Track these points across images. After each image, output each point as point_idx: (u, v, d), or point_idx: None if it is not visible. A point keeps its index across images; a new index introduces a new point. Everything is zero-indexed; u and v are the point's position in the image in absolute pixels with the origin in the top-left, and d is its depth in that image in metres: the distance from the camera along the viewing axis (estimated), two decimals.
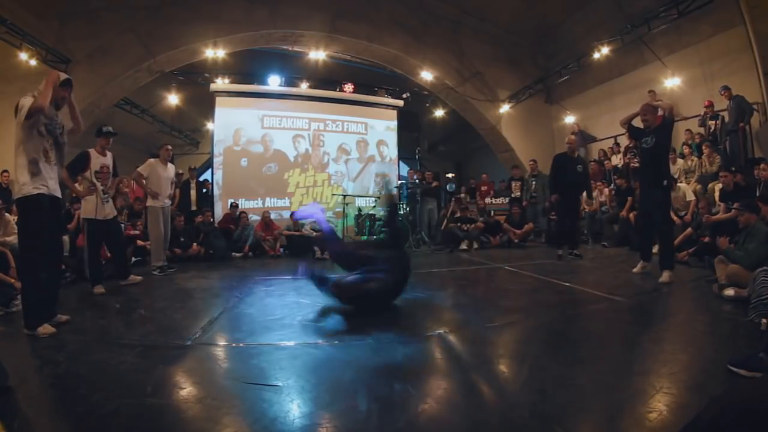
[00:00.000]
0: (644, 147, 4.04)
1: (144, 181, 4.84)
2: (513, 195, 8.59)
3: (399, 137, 9.83)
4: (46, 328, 2.46)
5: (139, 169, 4.88)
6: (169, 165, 5.11)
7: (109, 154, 4.10)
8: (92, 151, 3.97)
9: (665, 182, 3.84)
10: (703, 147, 6.19)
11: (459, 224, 7.34)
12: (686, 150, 6.58)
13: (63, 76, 2.73)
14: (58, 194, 2.71)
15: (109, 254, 4.23)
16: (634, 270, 4.16)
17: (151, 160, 4.99)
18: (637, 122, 4.14)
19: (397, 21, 8.72)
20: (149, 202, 4.89)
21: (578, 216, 6.16)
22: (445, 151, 14.65)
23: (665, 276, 3.70)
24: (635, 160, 6.61)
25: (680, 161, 6.60)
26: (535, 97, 9.58)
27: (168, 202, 4.99)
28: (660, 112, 3.93)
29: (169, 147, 5.21)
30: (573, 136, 5.78)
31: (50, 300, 2.65)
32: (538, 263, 5.22)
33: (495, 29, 9.44)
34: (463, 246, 6.89)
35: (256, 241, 6.93)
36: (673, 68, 7.16)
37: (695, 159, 6.40)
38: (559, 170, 5.59)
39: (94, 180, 3.91)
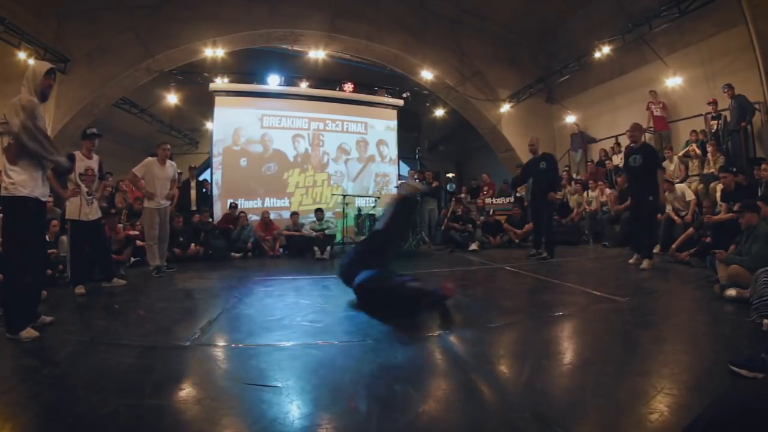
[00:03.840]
0: (631, 165, 4.55)
1: (141, 182, 4.72)
2: (518, 194, 8.58)
3: (399, 137, 9.80)
4: (29, 332, 2.40)
5: (134, 170, 4.75)
6: (169, 163, 4.95)
7: (95, 157, 4.05)
8: (78, 154, 3.93)
9: (650, 198, 4.41)
10: (708, 146, 6.18)
11: (460, 223, 7.33)
12: (696, 150, 6.53)
13: (46, 65, 2.68)
14: (44, 197, 2.66)
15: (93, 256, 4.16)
16: (630, 261, 4.62)
17: (148, 159, 4.87)
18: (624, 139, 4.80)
19: (397, 20, 8.70)
20: (145, 203, 4.80)
21: (545, 213, 5.57)
22: (445, 151, 14.64)
23: (645, 263, 4.41)
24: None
25: (675, 163, 6.62)
26: (535, 96, 9.56)
27: (165, 202, 4.85)
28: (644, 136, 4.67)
29: (167, 146, 5.01)
30: (535, 137, 5.85)
31: (32, 302, 2.61)
32: (539, 263, 5.21)
33: (495, 28, 9.42)
34: (473, 247, 6.87)
35: (255, 241, 6.92)
36: (674, 67, 7.15)
37: (697, 152, 6.39)
38: (526, 175, 5.92)
39: (79, 182, 3.86)
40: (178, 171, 6.70)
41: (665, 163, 6.69)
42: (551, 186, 5.59)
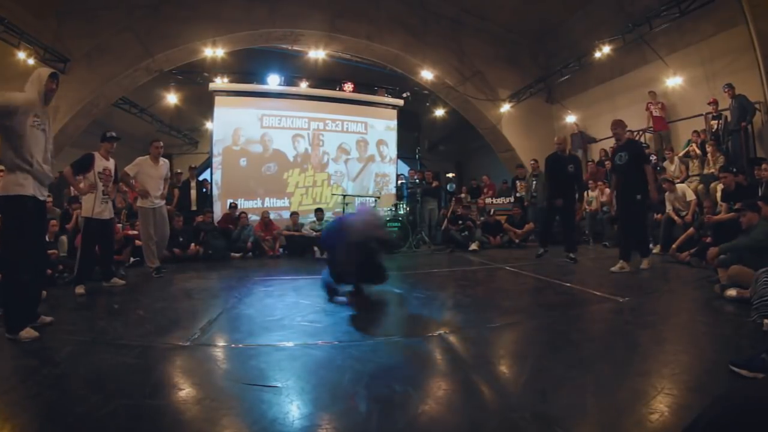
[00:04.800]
0: (618, 163, 4.35)
1: (132, 181, 4.68)
2: (518, 194, 8.59)
3: (399, 137, 9.80)
4: (28, 332, 2.40)
5: (125, 169, 4.67)
6: (162, 161, 4.85)
7: (111, 160, 4.16)
8: (97, 154, 4.02)
9: (638, 197, 4.20)
10: (707, 146, 6.18)
11: (460, 223, 7.33)
12: (696, 150, 6.51)
13: (50, 70, 2.70)
14: (42, 197, 2.65)
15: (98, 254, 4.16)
16: (612, 269, 4.25)
17: (140, 158, 4.78)
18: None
19: (397, 20, 8.70)
20: (138, 202, 4.76)
21: (573, 217, 5.79)
22: (446, 151, 14.64)
23: (644, 263, 4.31)
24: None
25: (676, 164, 6.60)
26: (536, 96, 9.56)
27: (160, 202, 4.76)
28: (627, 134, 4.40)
29: (160, 143, 4.91)
30: (562, 136, 5.75)
31: (32, 302, 2.61)
32: (539, 263, 5.21)
33: (495, 28, 9.42)
34: (473, 247, 6.85)
35: (255, 241, 6.92)
36: (674, 67, 7.15)
37: (698, 152, 6.38)
38: (551, 171, 5.58)
39: (97, 180, 3.93)
40: (178, 171, 6.62)
41: (665, 164, 6.70)
42: (579, 189, 5.73)
